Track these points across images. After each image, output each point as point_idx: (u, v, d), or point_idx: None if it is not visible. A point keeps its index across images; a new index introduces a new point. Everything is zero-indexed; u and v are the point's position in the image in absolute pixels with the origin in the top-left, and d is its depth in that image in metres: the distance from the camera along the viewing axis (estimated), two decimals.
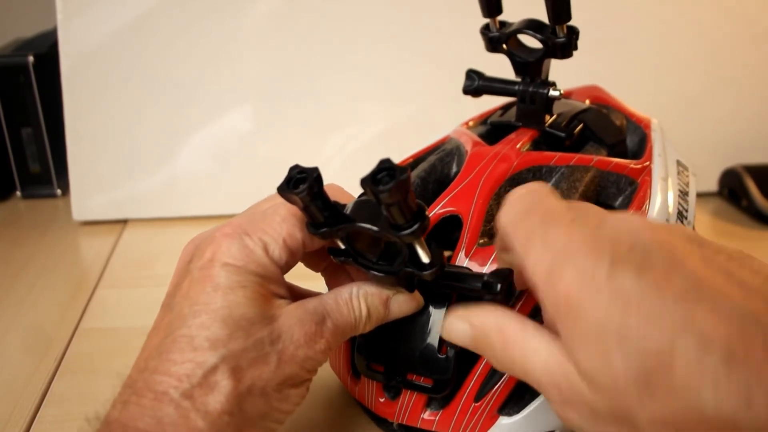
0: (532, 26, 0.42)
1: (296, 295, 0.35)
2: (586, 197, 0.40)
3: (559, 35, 0.41)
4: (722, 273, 0.24)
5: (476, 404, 0.36)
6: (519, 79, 0.45)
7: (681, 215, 0.42)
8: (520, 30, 0.42)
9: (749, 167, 0.73)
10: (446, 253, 0.36)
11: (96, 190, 0.72)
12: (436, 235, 0.38)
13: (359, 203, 0.32)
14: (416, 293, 0.36)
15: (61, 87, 0.70)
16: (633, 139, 0.49)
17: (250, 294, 0.31)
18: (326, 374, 0.41)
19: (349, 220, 0.31)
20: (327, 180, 0.32)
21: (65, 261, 0.65)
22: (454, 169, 0.44)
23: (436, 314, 0.36)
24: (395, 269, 0.33)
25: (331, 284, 0.38)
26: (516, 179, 0.40)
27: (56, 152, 0.75)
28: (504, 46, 0.44)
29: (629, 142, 0.49)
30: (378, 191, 0.27)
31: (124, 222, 0.72)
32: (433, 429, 0.37)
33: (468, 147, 0.43)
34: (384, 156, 0.28)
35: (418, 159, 0.45)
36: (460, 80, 0.46)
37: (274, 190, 0.31)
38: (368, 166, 0.27)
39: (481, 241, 0.37)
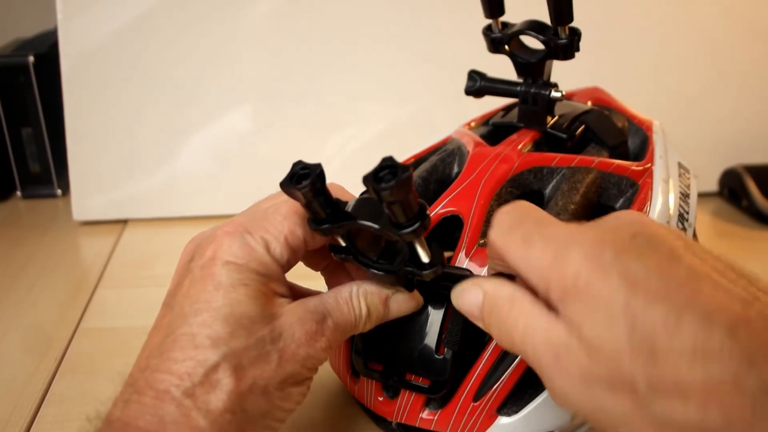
0: (534, 27, 0.42)
1: (297, 293, 0.35)
2: (588, 199, 0.40)
3: (561, 36, 0.41)
4: (715, 270, 0.26)
5: (475, 404, 0.36)
6: (521, 80, 0.45)
7: (682, 217, 0.42)
8: (522, 31, 0.42)
9: (749, 167, 0.73)
10: (447, 254, 0.36)
11: (96, 190, 0.72)
12: (436, 235, 0.38)
13: (361, 201, 0.32)
14: (416, 293, 0.36)
15: (61, 87, 0.70)
16: (634, 141, 0.49)
17: (252, 292, 0.31)
18: (326, 373, 0.41)
19: (350, 218, 0.31)
20: (327, 180, 0.32)
21: (65, 261, 0.65)
22: (456, 169, 0.44)
23: (435, 314, 0.36)
24: (395, 268, 0.33)
25: (331, 283, 0.38)
26: (517, 180, 0.40)
27: (56, 152, 0.75)
28: (506, 47, 0.44)
29: (631, 143, 0.49)
30: (380, 189, 0.27)
31: (124, 222, 0.72)
32: (432, 428, 0.37)
33: (469, 147, 0.43)
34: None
35: (419, 159, 0.45)
36: (460, 80, 0.46)
37: (275, 190, 0.31)
38: (368, 167, 0.27)
39: (482, 241, 0.37)
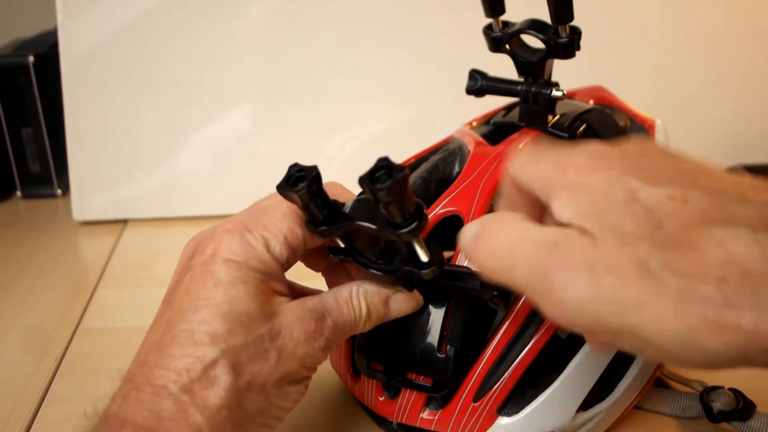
0: (534, 26, 0.42)
1: (296, 292, 0.35)
2: None
3: (562, 35, 0.41)
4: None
5: (475, 404, 0.36)
6: (522, 80, 0.45)
7: None
8: (522, 30, 0.42)
9: (749, 167, 0.73)
10: (447, 253, 0.36)
11: (96, 190, 0.72)
12: (437, 234, 0.38)
13: (358, 202, 0.32)
14: (415, 292, 0.36)
15: (61, 87, 0.70)
16: None
17: (251, 290, 0.31)
18: (326, 373, 0.41)
19: (347, 219, 0.31)
20: (327, 180, 0.32)
21: (65, 261, 0.65)
22: (457, 169, 0.44)
23: (436, 313, 0.36)
24: (394, 268, 0.33)
25: (332, 284, 0.38)
26: None
27: (56, 152, 0.75)
28: (507, 46, 0.44)
29: None
30: (376, 189, 0.27)
31: (124, 222, 0.72)
32: (432, 428, 0.37)
33: (470, 147, 0.43)
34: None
35: (420, 159, 0.45)
36: (461, 80, 0.46)
37: (274, 190, 0.31)
38: (368, 167, 0.27)
39: None
